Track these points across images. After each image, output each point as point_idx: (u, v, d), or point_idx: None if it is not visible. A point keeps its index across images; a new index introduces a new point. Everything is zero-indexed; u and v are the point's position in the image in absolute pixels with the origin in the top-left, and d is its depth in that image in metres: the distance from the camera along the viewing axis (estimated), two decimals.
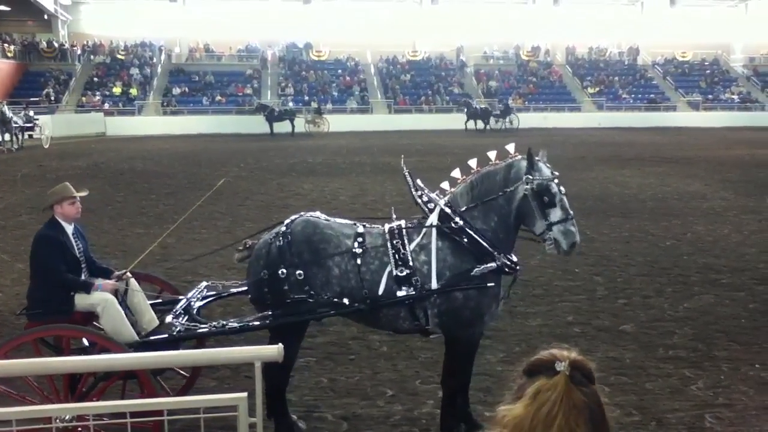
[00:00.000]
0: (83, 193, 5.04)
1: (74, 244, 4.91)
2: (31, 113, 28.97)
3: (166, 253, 9.88)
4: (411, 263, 4.60)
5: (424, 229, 4.70)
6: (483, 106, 37.60)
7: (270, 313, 4.68)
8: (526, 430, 1.65)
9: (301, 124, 35.08)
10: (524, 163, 4.63)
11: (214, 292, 5.35)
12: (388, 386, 5.70)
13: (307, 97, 40.42)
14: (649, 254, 10.03)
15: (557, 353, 1.76)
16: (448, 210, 4.69)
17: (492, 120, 36.74)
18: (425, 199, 4.82)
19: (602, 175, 18.23)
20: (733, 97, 43.81)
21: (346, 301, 4.62)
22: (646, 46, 47.04)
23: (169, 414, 3.19)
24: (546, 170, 4.62)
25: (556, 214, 4.56)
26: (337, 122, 35.81)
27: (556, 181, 4.60)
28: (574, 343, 6.29)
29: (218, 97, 40.32)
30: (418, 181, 4.92)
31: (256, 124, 35.18)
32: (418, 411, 5.26)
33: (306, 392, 5.58)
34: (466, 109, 36.70)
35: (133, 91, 39.90)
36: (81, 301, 4.72)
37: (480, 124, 36.23)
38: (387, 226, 4.80)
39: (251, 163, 21.71)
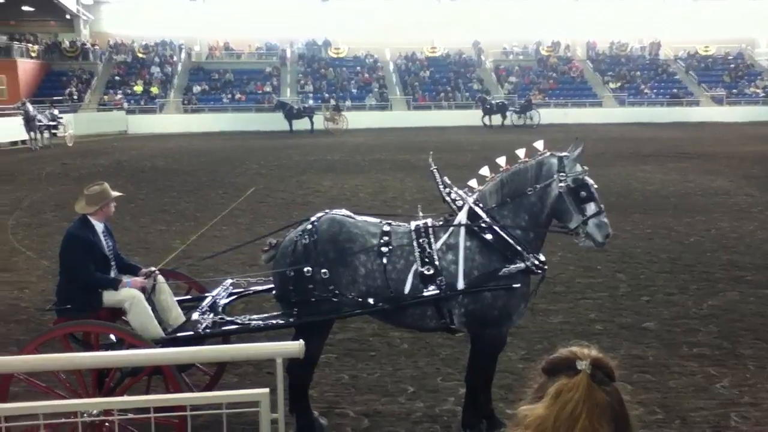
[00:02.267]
0: (117, 194, 5.11)
1: (104, 242, 4.97)
2: (56, 112, 29.37)
3: (188, 249, 9.91)
4: (437, 262, 4.57)
5: (452, 228, 4.67)
6: (499, 101, 37.43)
7: (295, 311, 4.69)
8: (549, 430, 1.64)
9: (320, 122, 35.17)
10: (555, 160, 4.60)
11: (239, 290, 5.37)
12: (409, 383, 5.69)
13: (326, 95, 40.48)
14: (672, 251, 9.92)
15: (577, 351, 1.74)
16: (477, 208, 4.65)
17: (515, 116, 36.55)
18: (453, 196, 4.77)
19: (624, 171, 18.06)
20: (757, 91, 43.04)
21: (371, 300, 4.60)
22: (668, 40, 46.41)
23: (192, 410, 3.21)
24: (578, 165, 4.60)
25: (591, 208, 4.56)
26: (355, 119, 35.84)
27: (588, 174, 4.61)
28: (596, 341, 6.25)
29: (238, 95, 40.54)
30: (446, 178, 4.87)
31: (276, 122, 35.34)
32: (439, 408, 5.25)
33: (327, 389, 5.60)
34: (481, 105, 36.58)
35: (154, 90, 40.26)
36: (109, 297, 4.77)
37: (496, 120, 36.06)
38: (413, 224, 4.76)
39: (271, 161, 21.81)
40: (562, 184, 4.54)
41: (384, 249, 4.61)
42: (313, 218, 4.83)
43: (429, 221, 4.80)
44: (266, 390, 3.11)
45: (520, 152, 4.82)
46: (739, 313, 7.25)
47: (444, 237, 4.66)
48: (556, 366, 1.73)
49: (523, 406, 1.76)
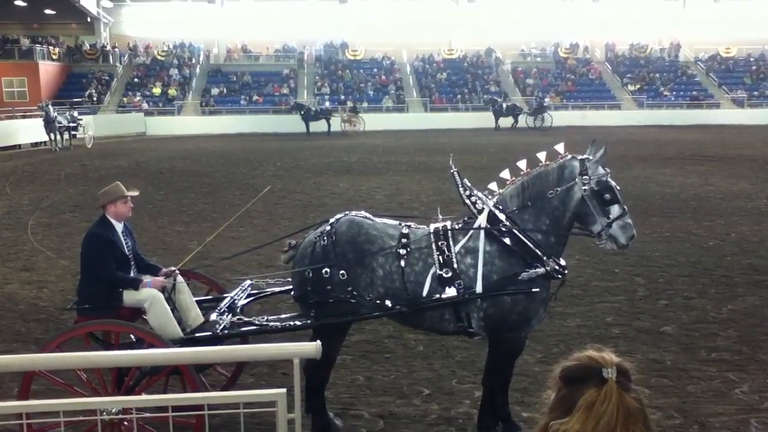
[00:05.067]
0: (134, 193, 5.16)
1: (123, 242, 5.02)
2: (75, 113, 29.73)
3: (205, 250, 9.96)
4: (456, 265, 4.55)
5: (472, 231, 4.65)
6: (510, 103, 37.19)
7: (313, 311, 4.70)
8: None
9: (337, 123, 35.27)
10: (577, 163, 4.56)
11: (257, 291, 5.40)
12: (425, 385, 5.69)
13: (343, 97, 40.58)
14: (691, 255, 9.82)
15: (599, 357, 1.71)
16: (497, 212, 4.63)
17: (530, 119, 36.31)
18: (473, 199, 4.75)
19: (643, 174, 17.91)
20: None
21: (388, 302, 4.59)
22: (688, 42, 45.96)
23: (209, 409, 3.24)
24: (600, 167, 4.55)
25: (615, 211, 4.52)
26: (372, 121, 35.88)
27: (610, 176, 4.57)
28: (614, 345, 6.20)
29: (255, 97, 40.77)
30: (466, 181, 4.85)
31: (293, 124, 35.52)
32: (454, 410, 5.24)
33: (342, 390, 5.61)
34: (491, 108, 36.40)
35: (173, 92, 40.61)
36: (129, 297, 4.82)
37: (505, 122, 35.79)
38: (432, 227, 4.75)
39: (288, 162, 21.90)
40: (585, 187, 4.50)
41: (402, 251, 4.61)
42: (332, 220, 4.85)
43: (448, 224, 4.79)
44: (283, 390, 3.12)
45: (541, 155, 4.78)
46: (759, 318, 7.16)
47: (463, 240, 4.64)
48: (578, 375, 1.70)
49: (550, 418, 1.73)
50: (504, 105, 36.67)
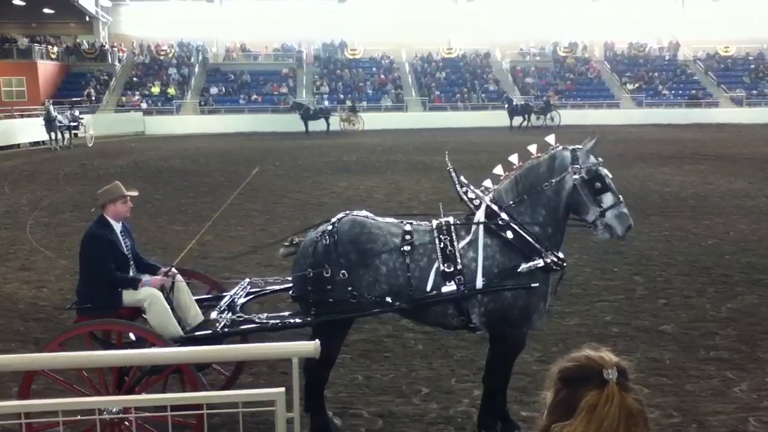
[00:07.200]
0: (134, 193, 5.16)
1: (122, 241, 5.02)
2: (77, 113, 29.73)
3: (205, 249, 10.02)
4: (459, 260, 4.56)
5: (471, 226, 4.66)
6: (523, 102, 37.12)
7: (312, 311, 4.70)
8: None
9: (336, 123, 35.27)
10: (568, 153, 4.58)
11: (256, 289, 5.40)
12: (424, 384, 5.69)
13: (341, 96, 40.58)
14: (690, 253, 9.83)
15: (598, 358, 1.70)
16: (494, 206, 4.64)
17: (533, 117, 36.25)
18: (470, 195, 4.77)
19: (642, 173, 17.91)
20: None
21: (389, 299, 4.60)
22: (687, 40, 45.97)
23: (209, 408, 3.24)
24: (591, 157, 4.56)
25: (608, 199, 4.52)
26: (371, 120, 35.88)
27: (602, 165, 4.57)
28: (613, 344, 6.21)
29: (254, 97, 40.75)
30: (462, 178, 4.87)
31: (292, 123, 35.48)
32: (453, 409, 5.24)
33: (341, 389, 5.61)
34: (507, 106, 36.28)
35: (171, 91, 40.57)
36: (129, 296, 4.82)
37: (518, 121, 35.72)
38: (435, 222, 4.77)
39: (287, 162, 21.90)
40: (576, 177, 4.51)
41: (406, 248, 4.61)
42: (334, 219, 4.85)
43: (451, 219, 4.80)
44: (282, 389, 3.12)
45: (532, 148, 4.80)
46: (758, 317, 7.17)
47: (464, 235, 4.66)
48: (578, 376, 1.70)
49: (550, 420, 1.73)
50: (518, 104, 36.45)
